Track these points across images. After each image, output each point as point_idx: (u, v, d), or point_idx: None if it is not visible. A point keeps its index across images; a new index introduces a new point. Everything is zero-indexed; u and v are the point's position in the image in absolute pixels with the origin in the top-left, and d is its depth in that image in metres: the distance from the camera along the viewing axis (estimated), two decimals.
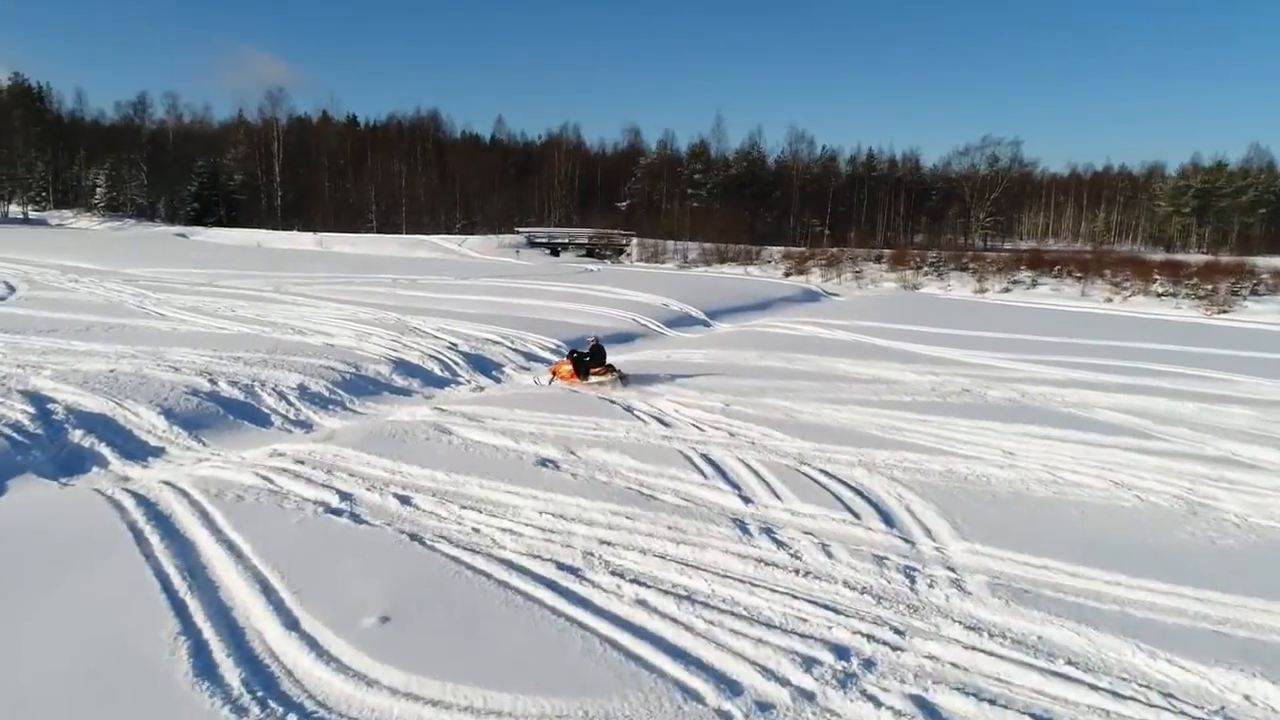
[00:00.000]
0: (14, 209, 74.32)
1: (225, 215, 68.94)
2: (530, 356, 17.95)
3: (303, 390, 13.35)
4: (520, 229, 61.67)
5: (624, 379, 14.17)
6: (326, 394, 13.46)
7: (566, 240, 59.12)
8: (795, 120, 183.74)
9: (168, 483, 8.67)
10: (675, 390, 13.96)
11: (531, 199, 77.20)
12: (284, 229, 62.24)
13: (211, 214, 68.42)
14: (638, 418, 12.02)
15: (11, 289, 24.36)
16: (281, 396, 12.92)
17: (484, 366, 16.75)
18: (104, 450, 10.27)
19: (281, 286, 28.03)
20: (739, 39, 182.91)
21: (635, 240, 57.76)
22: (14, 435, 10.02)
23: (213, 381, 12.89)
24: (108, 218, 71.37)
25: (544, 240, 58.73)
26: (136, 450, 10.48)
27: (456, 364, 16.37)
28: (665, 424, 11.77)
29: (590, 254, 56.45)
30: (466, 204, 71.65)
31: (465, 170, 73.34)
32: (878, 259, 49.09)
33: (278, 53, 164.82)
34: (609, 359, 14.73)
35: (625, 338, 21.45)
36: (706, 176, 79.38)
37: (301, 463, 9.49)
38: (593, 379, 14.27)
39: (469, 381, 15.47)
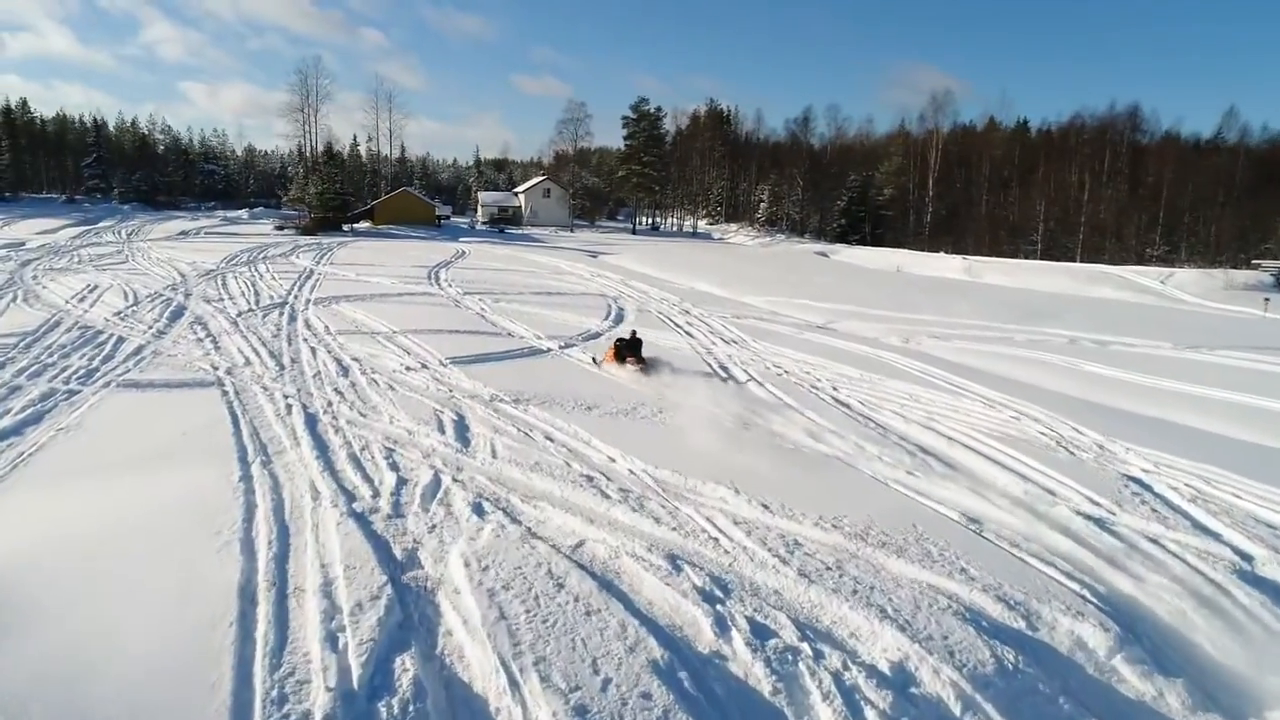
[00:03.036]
0: (690, 223, 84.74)
1: (870, 233, 66.61)
2: None
3: (905, 683, 5.88)
4: (1263, 263, 44.67)
5: (646, 369, 15.32)
6: (950, 699, 5.75)
7: None
8: None
9: None
10: None
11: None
12: (929, 250, 56.54)
13: (856, 231, 66.81)
14: None
15: (618, 318, 22.60)
16: (849, 703, 5.64)
17: None
18: None
19: (910, 339, 21.30)
20: None
21: None
22: None
23: (722, 626, 6.30)
24: (763, 233, 75.87)
25: None
26: None
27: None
28: None
29: None
30: (1170, 225, 55.85)
31: (1173, 180, 57.49)
32: None
33: (944, 64, 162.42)
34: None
35: None
36: None
37: None
38: (628, 365, 15.43)
39: None
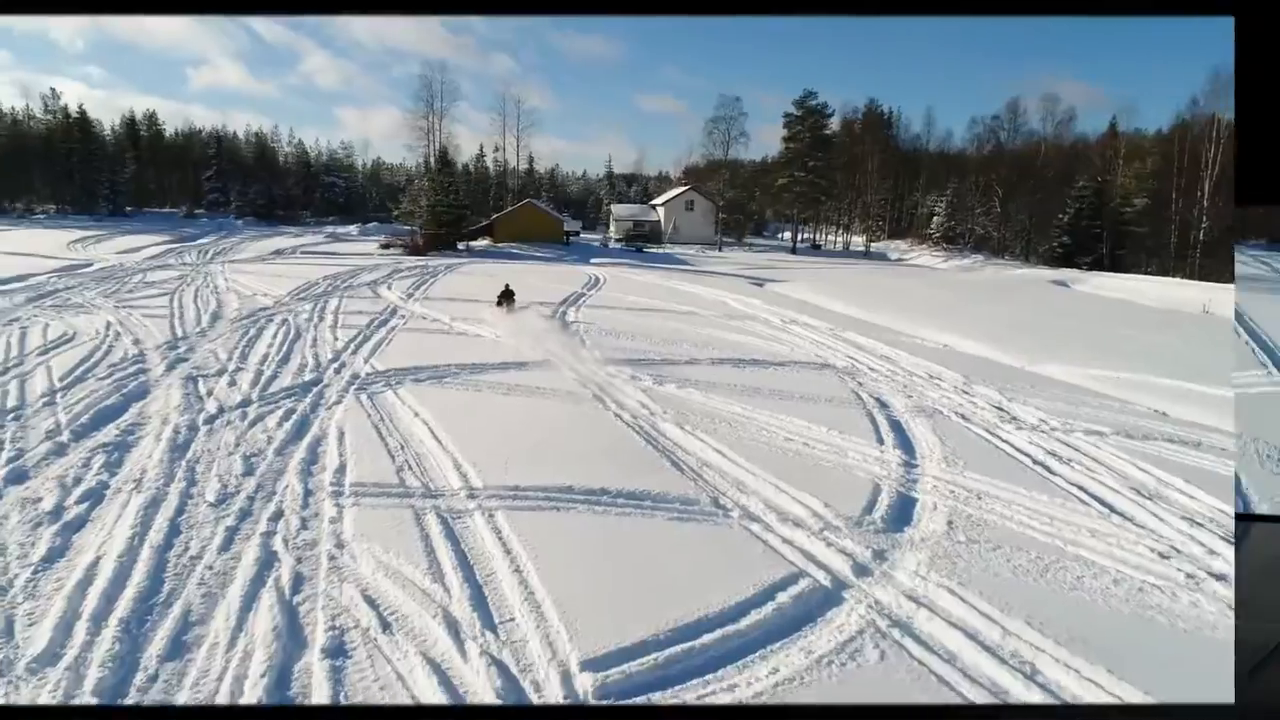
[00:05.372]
0: (856, 240, 72.96)
1: (1108, 254, 52.42)
2: None
3: None
4: None
5: (511, 308, 22.69)
6: None
7: None
8: None
9: None
10: None
11: None
12: (1201, 279, 43.10)
13: (1087, 251, 52.64)
14: None
15: (905, 445, 12.05)
16: None
17: None
18: None
19: None
20: None
21: None
22: None
23: None
24: (947, 252, 63.26)
25: None
26: None
27: None
28: None
29: None
30: None
31: None
32: None
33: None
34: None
35: None
36: None
37: None
38: (504, 306, 22.65)
39: None
